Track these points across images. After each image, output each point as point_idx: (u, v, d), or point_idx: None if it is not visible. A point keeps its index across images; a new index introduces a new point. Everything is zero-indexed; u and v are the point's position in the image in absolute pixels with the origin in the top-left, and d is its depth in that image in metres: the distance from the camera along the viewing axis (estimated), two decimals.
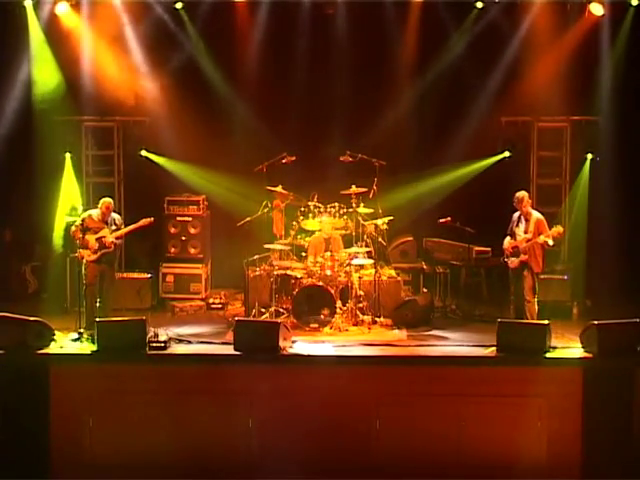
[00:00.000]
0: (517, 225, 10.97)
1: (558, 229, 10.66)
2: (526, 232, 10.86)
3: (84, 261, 10.84)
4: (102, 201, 11.14)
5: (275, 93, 13.14)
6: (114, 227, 11.04)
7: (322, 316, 11.19)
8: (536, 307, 10.83)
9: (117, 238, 11.01)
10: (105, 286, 11.01)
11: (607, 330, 9.58)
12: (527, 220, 10.90)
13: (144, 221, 11.17)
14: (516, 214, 11.04)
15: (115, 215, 11.19)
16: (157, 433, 9.56)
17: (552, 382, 9.50)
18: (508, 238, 11.02)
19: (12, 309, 10.18)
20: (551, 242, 10.69)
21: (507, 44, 12.66)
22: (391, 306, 11.66)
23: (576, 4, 12.35)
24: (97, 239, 10.86)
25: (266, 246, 11.98)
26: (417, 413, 9.58)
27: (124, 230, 11.09)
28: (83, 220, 10.88)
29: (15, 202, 12.97)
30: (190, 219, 13.14)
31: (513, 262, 10.90)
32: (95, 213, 11.07)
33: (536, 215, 10.95)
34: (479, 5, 12.51)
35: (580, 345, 9.82)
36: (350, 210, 11.95)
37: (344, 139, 12.81)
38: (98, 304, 10.80)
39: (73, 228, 10.89)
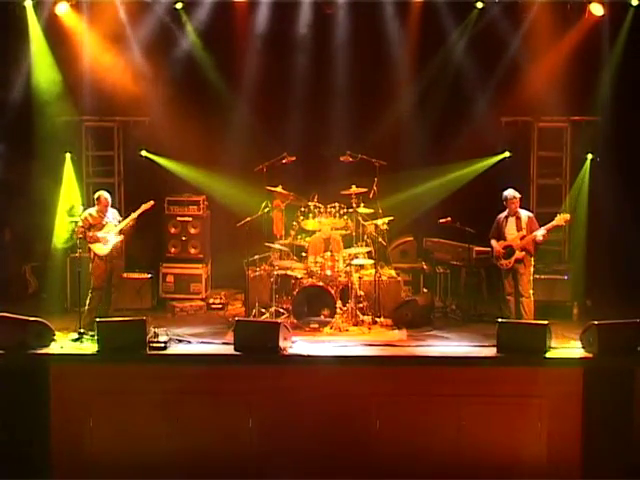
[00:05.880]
0: (505, 225, 11.05)
1: (564, 216, 10.86)
2: (519, 229, 10.95)
3: (93, 260, 10.85)
4: (98, 195, 11.09)
5: (275, 93, 13.15)
6: (116, 222, 11.12)
7: (322, 316, 11.19)
8: (532, 303, 10.91)
9: (122, 230, 11.06)
10: (114, 282, 11.07)
11: (607, 330, 9.58)
12: (518, 218, 11.02)
13: (145, 206, 11.17)
14: (502, 215, 11.15)
15: (113, 210, 11.21)
16: (157, 433, 9.57)
17: (552, 382, 9.51)
18: (494, 240, 11.10)
19: (12, 309, 10.19)
20: (547, 235, 10.83)
21: (507, 44, 12.66)
22: (391, 306, 11.65)
23: (576, 4, 12.35)
24: (105, 233, 10.90)
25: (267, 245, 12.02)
26: (417, 413, 9.58)
27: (129, 219, 11.09)
28: (85, 219, 10.94)
29: (15, 202, 12.96)
30: (190, 219, 13.14)
31: (508, 262, 10.95)
32: (94, 210, 11.06)
33: (526, 213, 11.16)
34: (479, 5, 12.51)
35: (580, 345, 9.82)
36: (350, 210, 11.95)
37: (344, 139, 12.81)
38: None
39: (76, 229, 10.89)
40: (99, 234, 10.88)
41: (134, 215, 11.14)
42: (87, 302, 10.88)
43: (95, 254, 10.89)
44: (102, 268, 10.92)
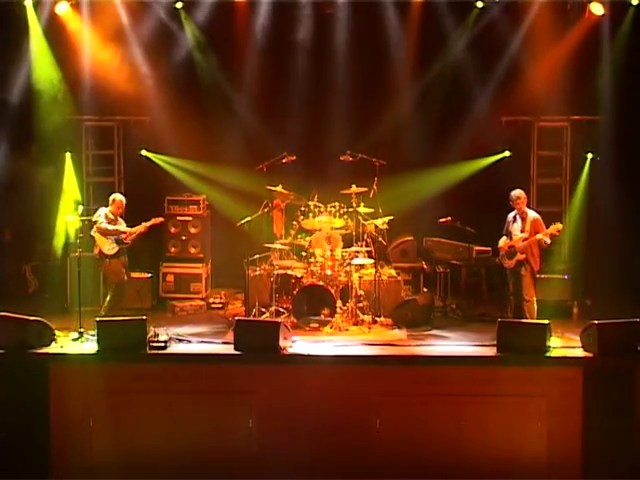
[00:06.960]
0: (513, 224, 11.03)
1: (557, 226, 10.73)
2: (522, 231, 10.91)
3: (103, 259, 10.92)
4: (113, 197, 11.16)
5: (275, 92, 13.16)
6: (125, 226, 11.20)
7: (322, 316, 11.19)
8: (535, 306, 10.86)
9: (131, 234, 11.11)
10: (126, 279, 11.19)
11: (607, 330, 9.57)
12: (523, 219, 10.96)
13: (155, 220, 11.28)
14: (511, 214, 11.09)
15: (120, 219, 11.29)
16: (157, 433, 9.56)
17: (552, 382, 9.50)
18: (504, 238, 11.07)
19: (12, 309, 10.18)
20: (548, 241, 10.76)
21: (507, 44, 12.66)
22: (391, 306, 11.65)
23: (576, 4, 12.36)
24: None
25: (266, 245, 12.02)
26: (417, 413, 9.58)
27: (138, 228, 11.12)
28: (105, 215, 11.01)
29: (15, 201, 12.96)
30: (190, 219, 13.15)
31: (510, 262, 10.93)
32: (108, 210, 11.11)
33: (532, 214, 11.01)
34: (479, 5, 12.53)
35: (580, 345, 9.82)
36: (350, 210, 11.94)
37: (344, 138, 12.81)
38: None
39: (98, 224, 10.90)
40: (118, 228, 11.00)
41: (145, 225, 11.16)
42: (107, 300, 10.96)
43: (102, 253, 10.93)
44: (118, 265, 11.01)
